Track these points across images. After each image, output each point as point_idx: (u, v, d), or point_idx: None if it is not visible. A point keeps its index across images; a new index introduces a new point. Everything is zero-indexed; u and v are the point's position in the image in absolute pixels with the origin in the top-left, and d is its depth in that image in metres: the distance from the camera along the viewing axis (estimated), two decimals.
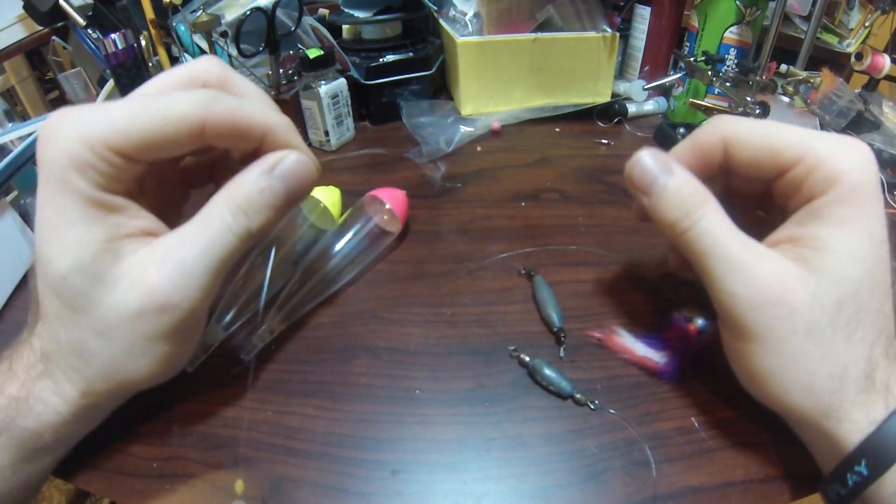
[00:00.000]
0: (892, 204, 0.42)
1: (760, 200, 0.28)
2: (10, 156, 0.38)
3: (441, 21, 0.59)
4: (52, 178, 0.20)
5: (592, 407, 0.27)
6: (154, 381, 0.24)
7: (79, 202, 0.20)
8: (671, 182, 0.24)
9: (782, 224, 0.24)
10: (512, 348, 0.30)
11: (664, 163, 0.24)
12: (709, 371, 0.27)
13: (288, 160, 0.23)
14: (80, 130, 0.20)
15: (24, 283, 0.37)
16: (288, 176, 0.23)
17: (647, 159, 0.24)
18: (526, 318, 0.32)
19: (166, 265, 0.21)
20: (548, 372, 0.28)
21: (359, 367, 0.29)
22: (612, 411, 0.26)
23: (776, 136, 0.23)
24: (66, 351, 0.22)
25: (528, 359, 0.29)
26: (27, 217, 0.40)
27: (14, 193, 0.44)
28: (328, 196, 0.38)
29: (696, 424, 0.26)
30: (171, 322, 0.22)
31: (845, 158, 0.22)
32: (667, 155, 0.25)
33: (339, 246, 0.35)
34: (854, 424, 0.21)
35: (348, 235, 0.35)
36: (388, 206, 0.36)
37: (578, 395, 0.27)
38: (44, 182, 0.21)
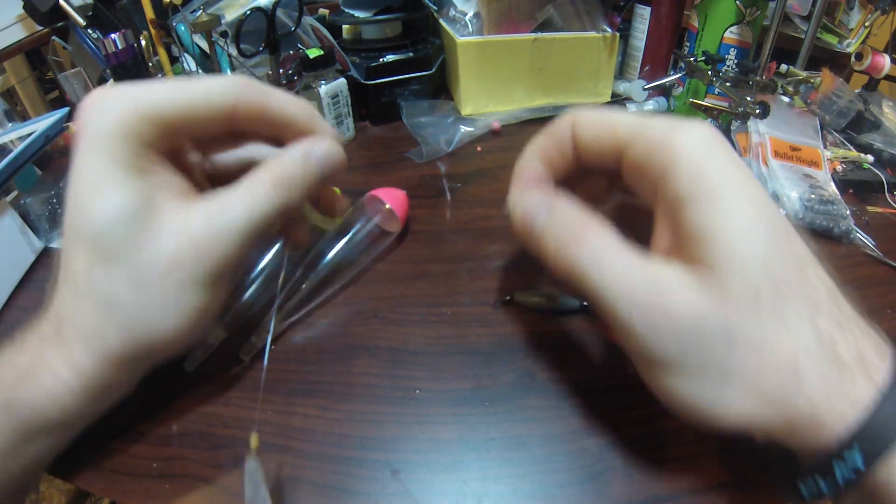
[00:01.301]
0: (893, 204, 0.42)
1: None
2: (10, 156, 0.38)
3: (441, 21, 0.59)
4: (98, 139, 0.22)
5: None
6: (177, 343, 0.24)
7: (123, 162, 0.22)
8: (549, 219, 0.22)
9: (652, 238, 0.22)
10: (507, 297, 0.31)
11: (541, 201, 0.23)
12: None
13: (322, 145, 0.25)
14: (128, 100, 0.22)
15: (24, 283, 0.37)
16: (322, 159, 0.25)
17: (525, 202, 0.23)
18: (527, 317, 0.32)
19: (212, 221, 0.23)
20: (539, 298, 0.29)
21: (359, 367, 0.29)
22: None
23: (614, 117, 0.22)
24: (90, 309, 0.22)
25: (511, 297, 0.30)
26: (27, 217, 0.40)
27: (14, 193, 0.44)
28: None
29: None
30: (207, 269, 0.23)
31: (681, 131, 0.20)
32: (542, 192, 0.24)
33: (339, 246, 0.35)
34: (835, 415, 0.18)
35: (348, 235, 0.35)
36: (387, 206, 0.36)
37: (585, 303, 0.28)
38: (88, 144, 0.22)
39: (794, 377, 0.18)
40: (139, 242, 0.22)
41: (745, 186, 0.19)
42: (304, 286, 0.33)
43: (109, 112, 0.22)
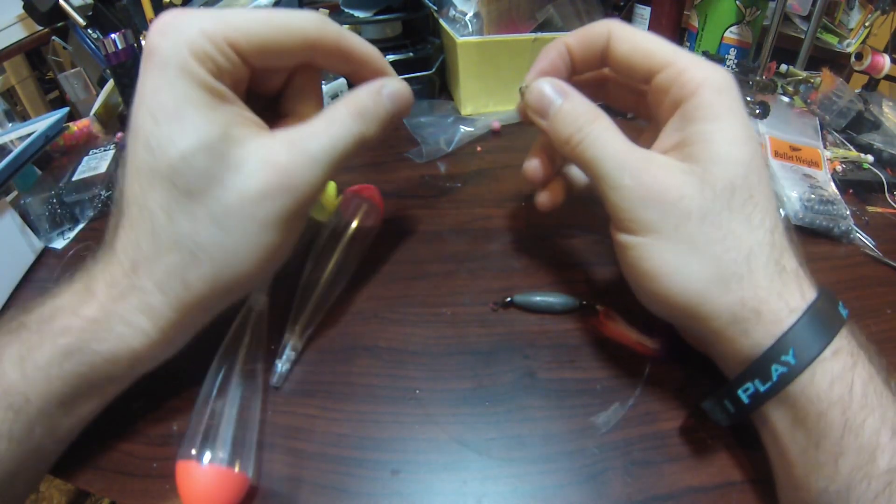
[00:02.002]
0: (893, 204, 0.42)
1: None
2: (10, 156, 0.38)
3: (441, 21, 0.59)
4: (170, 64, 0.20)
5: (600, 308, 0.29)
6: (253, 285, 0.26)
7: (200, 88, 0.21)
8: (565, 104, 0.25)
9: (658, 137, 0.25)
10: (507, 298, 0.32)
11: (560, 87, 0.26)
12: (709, 371, 0.27)
13: (394, 84, 0.27)
14: (202, 24, 0.21)
15: (25, 283, 0.37)
16: (395, 96, 0.26)
17: (544, 86, 0.26)
18: (527, 317, 0.32)
19: (295, 149, 0.23)
20: (539, 298, 0.30)
21: (359, 367, 0.29)
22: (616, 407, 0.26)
23: (652, 39, 0.25)
24: (167, 249, 0.21)
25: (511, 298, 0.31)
26: (27, 217, 0.41)
27: (14, 193, 0.44)
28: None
29: (696, 424, 0.26)
30: (291, 204, 0.23)
31: (708, 69, 0.23)
32: (561, 81, 0.26)
33: (333, 253, 0.34)
34: (774, 314, 0.21)
35: (342, 239, 0.35)
36: (366, 202, 0.36)
37: (584, 301, 0.29)
38: (159, 69, 0.21)
39: (746, 266, 0.21)
40: (223, 175, 0.21)
41: (744, 121, 0.23)
42: (308, 300, 0.32)
43: (183, 35, 0.21)
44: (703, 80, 0.23)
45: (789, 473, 0.21)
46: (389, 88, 0.26)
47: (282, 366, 0.28)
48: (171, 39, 0.21)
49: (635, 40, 0.25)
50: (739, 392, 0.21)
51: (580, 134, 0.24)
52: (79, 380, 0.22)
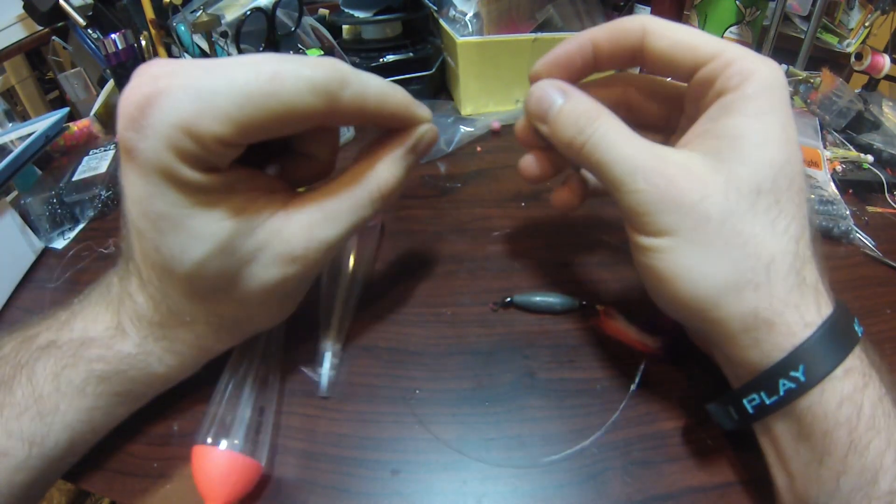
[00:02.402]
0: (892, 204, 0.42)
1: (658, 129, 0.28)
2: (11, 156, 0.38)
3: (441, 21, 0.59)
4: (156, 171, 0.18)
5: (600, 308, 0.29)
6: (272, 326, 0.27)
7: (193, 191, 0.19)
8: (566, 104, 0.24)
9: (692, 126, 0.23)
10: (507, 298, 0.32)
11: (558, 87, 0.24)
12: (709, 371, 0.27)
13: (428, 136, 0.25)
14: (181, 119, 0.18)
15: (25, 283, 0.37)
16: (426, 148, 0.25)
17: (542, 87, 0.24)
18: (527, 317, 0.32)
19: (312, 240, 0.22)
20: (539, 298, 0.30)
21: (359, 367, 0.29)
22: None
23: (695, 32, 0.23)
24: (199, 328, 0.23)
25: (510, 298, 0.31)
26: (27, 217, 0.41)
27: (14, 193, 0.44)
28: None
29: (695, 424, 0.26)
30: (307, 282, 0.24)
31: (759, 61, 0.22)
32: (561, 81, 0.25)
33: (352, 252, 0.34)
34: (788, 327, 0.20)
35: (351, 244, 0.35)
36: None
37: (584, 302, 0.29)
38: (143, 173, 0.18)
39: (765, 275, 0.20)
40: (240, 269, 0.21)
41: (786, 122, 0.21)
42: (335, 304, 0.32)
43: (159, 134, 0.18)
44: (750, 74, 0.21)
45: (790, 485, 0.21)
46: (424, 144, 0.25)
47: (326, 373, 0.28)
48: (150, 143, 0.18)
49: (677, 34, 0.23)
50: (744, 401, 0.21)
51: (582, 136, 0.22)
52: (112, 397, 0.23)
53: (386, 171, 0.24)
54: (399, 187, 0.25)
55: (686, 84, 0.24)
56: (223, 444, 0.23)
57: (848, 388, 0.19)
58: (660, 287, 0.22)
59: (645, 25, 0.24)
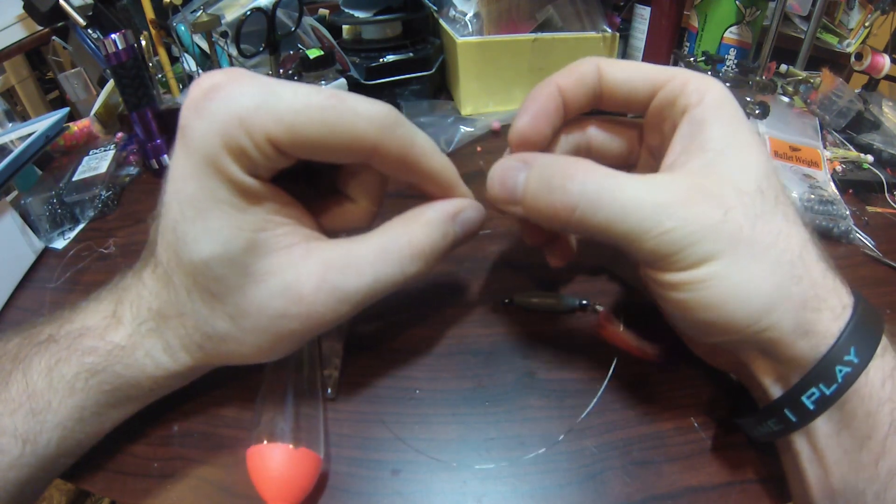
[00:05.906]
0: (892, 204, 0.42)
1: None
2: (11, 156, 0.38)
3: (441, 21, 0.59)
4: (200, 153, 0.19)
5: (600, 308, 0.29)
6: (259, 362, 0.24)
7: (229, 186, 0.19)
8: (532, 172, 0.21)
9: (668, 149, 0.23)
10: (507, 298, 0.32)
11: (517, 160, 0.22)
12: (708, 371, 0.27)
13: (471, 211, 0.24)
14: (241, 108, 0.18)
15: (25, 283, 0.37)
16: (468, 225, 0.24)
17: (499, 167, 0.23)
18: (527, 317, 0.32)
19: (326, 283, 0.20)
20: (539, 298, 0.30)
21: (359, 367, 0.29)
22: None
23: (644, 64, 0.24)
24: (190, 326, 0.22)
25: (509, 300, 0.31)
26: (27, 217, 0.41)
27: (14, 193, 0.44)
28: None
29: (695, 424, 0.26)
30: (308, 331, 0.21)
31: (708, 79, 0.22)
32: (522, 153, 0.24)
33: None
34: (832, 311, 0.20)
35: None
36: None
37: (585, 302, 0.29)
38: (188, 153, 0.19)
39: (802, 266, 0.20)
40: (244, 284, 0.20)
41: (750, 127, 0.22)
42: None
43: (216, 122, 0.18)
44: (707, 89, 0.22)
45: (824, 479, 0.20)
46: (465, 217, 0.23)
47: (332, 376, 0.28)
48: (204, 124, 0.18)
49: (630, 65, 0.24)
50: (804, 399, 0.20)
51: (567, 200, 0.20)
52: (101, 395, 0.22)
53: (420, 230, 0.22)
54: (434, 252, 0.22)
55: (642, 117, 0.25)
56: (280, 441, 0.23)
57: (889, 364, 0.19)
58: (703, 317, 0.20)
59: (598, 63, 0.24)
